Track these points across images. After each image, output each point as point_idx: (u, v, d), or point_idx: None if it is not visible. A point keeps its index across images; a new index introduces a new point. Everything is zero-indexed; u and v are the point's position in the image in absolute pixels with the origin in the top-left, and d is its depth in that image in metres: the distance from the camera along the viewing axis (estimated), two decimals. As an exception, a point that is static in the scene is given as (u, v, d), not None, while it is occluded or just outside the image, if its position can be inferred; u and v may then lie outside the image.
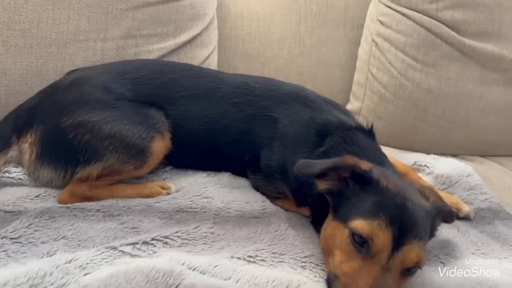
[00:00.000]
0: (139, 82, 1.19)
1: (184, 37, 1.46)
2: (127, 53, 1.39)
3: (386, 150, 1.63)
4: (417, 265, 0.88)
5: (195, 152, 1.24)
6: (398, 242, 0.86)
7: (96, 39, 1.35)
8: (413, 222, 0.88)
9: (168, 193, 1.16)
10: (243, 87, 1.24)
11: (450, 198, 1.25)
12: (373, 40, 1.72)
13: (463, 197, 1.29)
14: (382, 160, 1.11)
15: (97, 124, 1.09)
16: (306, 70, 1.80)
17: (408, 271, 0.88)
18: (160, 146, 1.15)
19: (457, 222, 1.20)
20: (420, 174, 1.36)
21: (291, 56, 1.78)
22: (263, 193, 1.20)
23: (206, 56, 1.52)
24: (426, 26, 1.62)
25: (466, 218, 1.22)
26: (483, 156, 1.76)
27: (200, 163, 1.27)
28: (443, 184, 1.34)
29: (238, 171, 1.26)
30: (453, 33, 1.61)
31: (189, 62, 1.45)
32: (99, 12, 1.35)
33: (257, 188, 1.23)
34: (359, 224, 0.88)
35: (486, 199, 1.30)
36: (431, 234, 1.00)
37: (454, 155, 1.69)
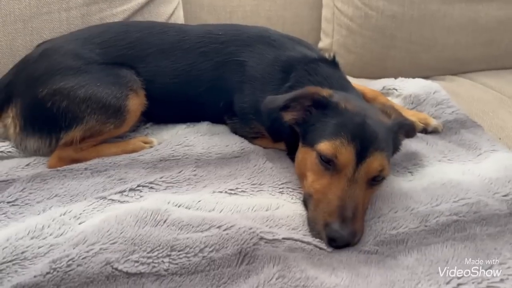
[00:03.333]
0: (106, 45, 1.23)
1: (146, -4, 1.48)
2: (92, 19, 1.41)
3: (359, 81, 1.71)
4: (381, 174, 0.96)
5: (171, 105, 1.29)
6: (361, 155, 0.93)
7: (60, 10, 1.38)
8: (373, 136, 0.95)
9: (151, 147, 1.21)
10: (208, 35, 1.28)
11: (418, 115, 1.32)
12: (335, -26, 1.74)
13: (431, 113, 1.37)
14: (345, 86, 1.17)
15: (72, 90, 1.13)
16: (274, 14, 1.82)
17: (374, 181, 0.96)
18: (135, 103, 1.20)
19: (425, 136, 1.28)
20: (389, 98, 1.43)
21: (257, 2, 1.80)
22: (242, 135, 1.27)
23: (171, 12, 1.55)
24: (383, -48, 1.63)
25: (435, 131, 1.30)
26: (453, 74, 1.81)
27: (178, 115, 1.33)
28: (411, 103, 1.40)
29: (215, 118, 1.31)
30: (412, -44, 1.63)
31: (154, 20, 1.48)
32: (58, -19, 1.36)
33: (235, 131, 1.29)
34: (324, 146, 0.95)
35: (453, 111, 1.37)
36: (396, 147, 1.08)
37: (425, 77, 1.74)
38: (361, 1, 1.69)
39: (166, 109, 1.29)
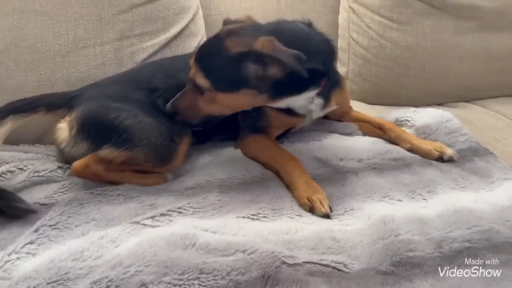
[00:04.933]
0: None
1: (173, 31, 1.58)
2: (124, 53, 1.52)
3: (373, 108, 1.78)
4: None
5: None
6: None
7: (95, 45, 1.48)
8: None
9: (165, 181, 1.24)
10: None
11: (433, 144, 1.37)
12: (350, 7, 1.82)
13: (445, 142, 1.41)
14: None
15: (140, 114, 1.21)
16: (292, 45, 1.90)
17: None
18: (184, 149, 1.27)
19: (440, 164, 1.33)
20: (403, 128, 1.48)
21: (276, 34, 1.89)
22: None
23: (196, 45, 1.64)
24: (397, -14, 1.72)
25: (450, 160, 1.34)
26: (466, 101, 1.86)
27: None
28: (424, 133, 1.45)
29: None
30: (422, -10, 1.71)
31: (181, 53, 1.58)
32: (93, 20, 1.47)
33: None
34: None
35: (466, 140, 1.41)
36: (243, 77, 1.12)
37: (439, 104, 1.81)
38: (376, 33, 1.77)
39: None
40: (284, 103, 1.27)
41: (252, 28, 1.18)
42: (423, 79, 1.79)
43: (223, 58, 1.13)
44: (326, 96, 1.33)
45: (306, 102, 1.29)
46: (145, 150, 1.19)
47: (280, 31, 1.17)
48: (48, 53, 1.44)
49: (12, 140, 1.43)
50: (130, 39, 1.52)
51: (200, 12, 1.72)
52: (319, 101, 1.31)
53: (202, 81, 1.16)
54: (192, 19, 1.64)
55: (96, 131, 1.20)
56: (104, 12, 1.49)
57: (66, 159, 1.28)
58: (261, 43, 1.09)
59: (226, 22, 1.28)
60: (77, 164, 1.18)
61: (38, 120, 1.40)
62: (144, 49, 1.54)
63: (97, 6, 1.48)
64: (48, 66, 1.45)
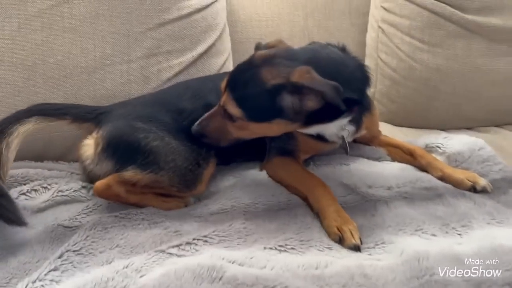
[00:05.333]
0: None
1: (200, 48, 1.56)
2: (150, 71, 1.51)
3: (401, 130, 1.73)
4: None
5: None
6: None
7: (121, 62, 1.47)
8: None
9: (186, 206, 1.22)
10: None
11: (466, 173, 1.32)
12: (379, 27, 1.79)
13: (478, 171, 1.36)
14: None
15: (167, 136, 1.20)
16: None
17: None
18: (209, 173, 1.25)
19: (473, 195, 1.28)
20: (433, 155, 1.43)
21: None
22: None
23: (222, 63, 1.63)
24: (429, 8, 1.68)
25: (484, 191, 1.28)
26: (498, 126, 1.81)
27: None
28: (455, 161, 1.40)
29: None
30: (456, 11, 1.67)
31: (207, 72, 1.57)
32: (120, 37, 1.47)
33: None
34: None
35: (500, 169, 1.36)
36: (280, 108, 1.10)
37: (469, 128, 1.76)
38: (405, 54, 1.73)
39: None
40: (315, 129, 1.24)
41: (287, 56, 1.13)
42: (453, 102, 1.74)
43: (259, 89, 1.09)
44: (357, 122, 1.29)
45: (338, 129, 1.26)
46: (170, 174, 1.17)
47: (316, 58, 1.13)
48: (75, 70, 1.44)
49: (36, 156, 1.43)
50: (157, 57, 1.51)
51: (227, 30, 1.70)
52: (350, 127, 1.28)
53: (235, 110, 1.14)
54: (219, 37, 1.63)
55: (122, 151, 1.18)
56: (132, 30, 1.48)
57: (89, 177, 1.26)
58: (299, 74, 1.06)
59: (257, 46, 1.25)
60: (99, 184, 1.17)
61: (62, 133, 1.42)
62: (170, 67, 1.53)
63: (125, 23, 1.47)
64: (75, 83, 1.44)
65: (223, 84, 1.18)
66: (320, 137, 1.30)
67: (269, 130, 1.18)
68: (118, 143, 1.19)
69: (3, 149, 1.12)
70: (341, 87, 1.03)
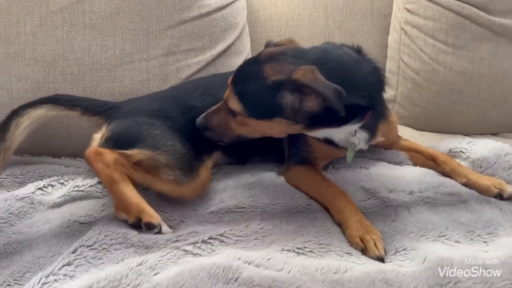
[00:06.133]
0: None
1: (219, 48, 1.55)
2: (169, 69, 1.50)
3: (423, 134, 1.69)
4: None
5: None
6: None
7: (141, 59, 1.47)
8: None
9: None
10: None
11: (493, 180, 1.28)
12: (402, 28, 1.75)
13: (504, 177, 1.32)
14: None
15: (170, 130, 1.20)
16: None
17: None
18: (207, 170, 1.23)
19: (499, 202, 1.23)
20: (457, 160, 1.39)
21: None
22: None
23: (241, 62, 1.61)
24: (454, 9, 1.64)
25: (510, 198, 1.24)
26: (524, 132, 1.76)
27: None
28: (480, 167, 1.36)
29: None
30: (482, 13, 1.62)
31: (225, 71, 1.55)
32: (140, 35, 1.47)
33: None
34: None
35: (527, 176, 1.32)
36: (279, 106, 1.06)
37: (493, 134, 1.71)
38: (429, 56, 1.69)
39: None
40: (321, 133, 1.20)
41: (294, 54, 1.10)
42: (477, 106, 1.70)
43: (260, 84, 1.07)
44: (371, 128, 1.25)
45: (347, 135, 1.21)
46: (167, 155, 1.15)
47: (325, 59, 1.09)
48: (94, 66, 1.44)
49: (54, 153, 1.44)
50: (176, 55, 1.50)
51: (247, 30, 1.69)
52: (363, 134, 1.24)
53: (235, 105, 1.12)
54: (238, 37, 1.61)
55: (122, 141, 1.18)
56: (151, 27, 1.47)
57: None
58: (302, 73, 1.02)
59: (268, 44, 1.23)
60: (93, 147, 1.16)
61: (80, 130, 1.44)
62: (189, 66, 1.52)
63: (145, 21, 1.47)
64: (94, 79, 1.44)
65: (230, 78, 1.17)
66: (333, 143, 1.26)
67: (270, 129, 1.15)
68: (120, 135, 1.20)
69: (11, 126, 1.17)
70: (344, 91, 0.99)
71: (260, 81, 1.07)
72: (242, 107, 1.11)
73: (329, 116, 1.04)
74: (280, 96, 1.05)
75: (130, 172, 1.13)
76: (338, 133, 1.21)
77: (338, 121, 1.11)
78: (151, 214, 1.07)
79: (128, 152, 1.14)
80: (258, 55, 1.15)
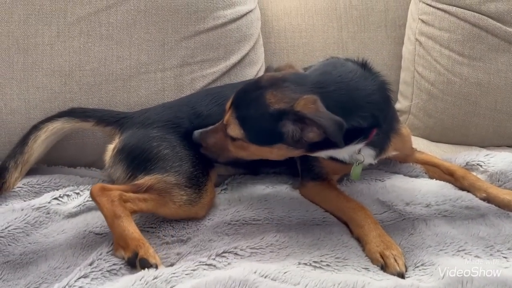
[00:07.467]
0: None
1: (234, 59, 1.56)
2: (184, 79, 1.50)
3: (438, 146, 1.67)
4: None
5: None
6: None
7: (156, 70, 1.48)
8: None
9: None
10: None
11: None
12: (417, 39, 1.74)
13: (523, 192, 1.29)
14: None
15: (179, 146, 1.21)
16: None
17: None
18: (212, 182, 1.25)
19: (519, 216, 1.21)
20: (474, 173, 1.37)
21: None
22: None
23: (256, 73, 1.61)
24: (470, 20, 1.63)
25: None
26: (541, 144, 1.73)
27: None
28: (498, 181, 1.33)
29: None
30: (499, 25, 1.61)
31: (239, 81, 1.55)
32: (156, 46, 1.48)
33: None
34: None
35: (547, 191, 1.29)
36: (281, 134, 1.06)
37: (510, 146, 1.68)
38: (444, 67, 1.68)
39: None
40: (323, 154, 1.19)
41: (295, 81, 1.09)
42: (494, 118, 1.67)
43: (262, 112, 1.07)
44: (379, 145, 1.23)
45: (351, 154, 1.21)
46: (176, 175, 1.16)
47: (325, 83, 1.08)
48: (110, 77, 1.45)
49: (69, 162, 1.44)
50: (191, 66, 1.51)
51: (261, 41, 1.69)
52: (369, 151, 1.22)
53: (236, 131, 1.11)
54: (252, 48, 1.62)
55: (133, 156, 1.21)
56: (167, 38, 1.48)
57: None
58: (303, 104, 1.02)
59: (268, 69, 1.23)
60: (98, 184, 1.13)
61: (95, 140, 1.45)
62: (204, 76, 1.52)
63: (161, 32, 1.48)
64: (110, 90, 1.45)
65: (229, 102, 1.15)
66: (340, 160, 1.25)
67: (270, 154, 1.15)
68: (132, 148, 1.22)
69: (30, 141, 1.28)
70: (345, 123, 0.99)
71: (262, 108, 1.07)
72: (243, 133, 1.11)
73: (330, 142, 1.04)
74: (282, 125, 1.05)
75: (138, 206, 1.10)
76: (341, 153, 1.20)
77: (337, 145, 1.08)
78: (151, 253, 1.01)
79: (139, 182, 1.14)
80: (259, 79, 1.15)
